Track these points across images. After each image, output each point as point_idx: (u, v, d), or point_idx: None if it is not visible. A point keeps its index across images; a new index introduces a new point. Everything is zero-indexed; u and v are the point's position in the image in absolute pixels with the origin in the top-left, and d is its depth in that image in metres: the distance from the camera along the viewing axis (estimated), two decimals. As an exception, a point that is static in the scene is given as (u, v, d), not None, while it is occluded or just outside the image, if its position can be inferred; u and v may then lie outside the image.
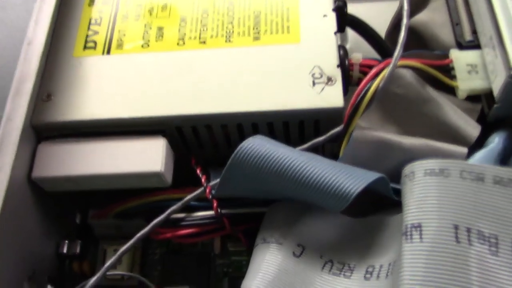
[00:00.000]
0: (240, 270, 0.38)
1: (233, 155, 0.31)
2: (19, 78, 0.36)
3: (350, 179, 0.29)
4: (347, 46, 0.48)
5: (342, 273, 0.30)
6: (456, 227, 0.25)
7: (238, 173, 0.31)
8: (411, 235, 0.25)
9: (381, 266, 0.29)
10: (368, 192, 0.31)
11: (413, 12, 0.43)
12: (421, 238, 0.25)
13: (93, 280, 0.33)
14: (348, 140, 0.34)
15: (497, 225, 0.25)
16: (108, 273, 0.34)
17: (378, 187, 0.31)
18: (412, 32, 0.42)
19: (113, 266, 0.37)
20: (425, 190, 0.26)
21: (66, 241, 0.39)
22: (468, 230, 0.25)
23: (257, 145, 0.31)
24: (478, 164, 0.27)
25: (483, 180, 0.26)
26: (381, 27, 0.43)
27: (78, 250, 0.39)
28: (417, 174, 0.27)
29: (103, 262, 0.38)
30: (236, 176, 0.31)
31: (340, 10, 0.40)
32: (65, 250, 0.39)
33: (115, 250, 0.39)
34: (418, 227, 0.25)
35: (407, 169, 0.28)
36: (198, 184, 0.36)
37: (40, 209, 0.37)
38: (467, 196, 0.26)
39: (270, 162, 0.30)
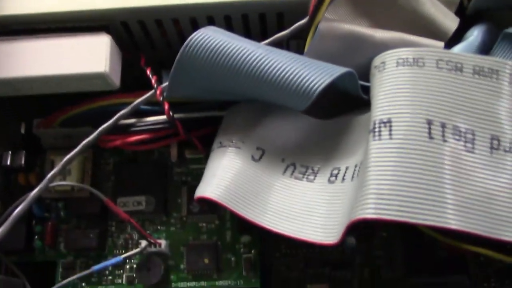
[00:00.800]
0: (199, 179, 0.35)
1: (182, 48, 0.27)
2: None
3: (314, 73, 0.26)
4: None
5: (305, 176, 0.27)
6: (429, 122, 0.22)
7: (189, 69, 0.28)
8: (379, 131, 0.23)
9: (346, 168, 0.26)
10: (334, 89, 0.28)
11: None
12: (390, 134, 0.22)
13: (35, 191, 0.30)
14: (314, 34, 0.30)
15: (474, 119, 0.23)
16: (54, 184, 0.32)
17: (345, 83, 0.28)
18: None
19: (61, 177, 0.35)
20: (396, 82, 0.24)
21: (10, 152, 0.36)
22: (443, 126, 0.22)
23: (210, 36, 0.27)
24: (457, 52, 0.24)
25: (462, 70, 0.23)
26: None
27: (22, 161, 0.36)
28: (388, 64, 0.24)
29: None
30: (187, 72, 0.28)
31: None
32: (8, 162, 0.36)
33: (63, 160, 0.36)
34: (388, 122, 0.23)
35: (377, 59, 0.25)
36: (149, 87, 0.33)
37: (-26, 117, 0.33)
38: (443, 88, 0.23)
39: (225, 55, 0.26)
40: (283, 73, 0.26)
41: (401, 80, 0.23)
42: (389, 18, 0.34)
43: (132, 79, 0.34)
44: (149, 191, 0.35)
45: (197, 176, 0.36)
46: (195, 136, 0.33)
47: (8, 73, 0.31)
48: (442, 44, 0.32)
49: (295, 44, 0.35)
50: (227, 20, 0.33)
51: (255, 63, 0.26)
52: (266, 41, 0.31)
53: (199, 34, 0.27)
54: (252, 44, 0.27)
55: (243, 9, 0.32)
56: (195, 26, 0.33)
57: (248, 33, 0.34)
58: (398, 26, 0.34)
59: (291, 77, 0.25)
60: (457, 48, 0.32)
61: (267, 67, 0.26)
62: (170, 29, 0.34)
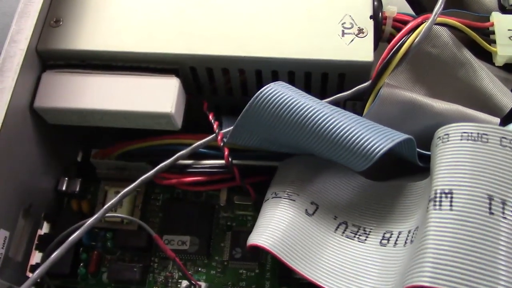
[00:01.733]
0: (244, 225, 0.37)
1: (252, 99, 0.29)
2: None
3: (377, 137, 0.26)
4: None
5: (357, 236, 0.28)
6: (490, 198, 0.23)
7: (255, 120, 0.29)
8: (440, 201, 0.23)
9: (399, 233, 0.27)
10: (392, 154, 0.28)
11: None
12: (451, 206, 0.23)
13: (91, 219, 0.31)
14: (375, 98, 0.32)
15: None
16: (107, 215, 0.33)
17: (404, 149, 0.29)
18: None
19: (113, 208, 0.36)
20: (459, 155, 0.24)
21: (66, 178, 0.38)
22: (503, 202, 0.23)
23: (279, 91, 0.28)
24: (521, 132, 0.24)
25: (524, 150, 0.24)
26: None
27: (77, 188, 0.37)
28: (452, 137, 0.25)
29: (103, 203, 0.37)
30: (252, 123, 0.29)
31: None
32: (64, 187, 0.37)
33: (117, 193, 0.37)
34: (449, 193, 0.23)
35: (441, 131, 0.26)
36: (208, 131, 0.34)
37: (41, 141, 0.35)
38: (506, 166, 0.23)
39: (291, 110, 0.28)
40: (346, 134, 0.26)
41: (464, 153, 0.24)
42: (447, 89, 0.35)
43: (189, 120, 0.35)
44: (194, 231, 0.36)
45: (243, 222, 0.37)
46: (249, 183, 0.34)
47: (81, 104, 0.33)
48: (498, 120, 0.33)
49: (351, 104, 0.36)
50: (290, 76, 0.34)
51: (320, 121, 0.27)
52: (327, 99, 0.32)
53: (268, 88, 0.28)
54: (318, 103, 0.28)
55: (307, 67, 0.33)
56: (259, 78, 0.35)
57: (308, 89, 0.35)
58: (456, 97, 0.35)
59: (353, 138, 0.26)
60: (513, 126, 0.32)
61: (331, 126, 0.27)
62: (234, 78, 0.35)
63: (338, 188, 0.30)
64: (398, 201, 0.28)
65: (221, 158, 0.33)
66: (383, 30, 0.35)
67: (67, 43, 0.34)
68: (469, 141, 0.24)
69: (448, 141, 0.25)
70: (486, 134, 0.24)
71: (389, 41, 0.36)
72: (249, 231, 0.33)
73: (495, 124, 0.32)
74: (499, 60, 0.34)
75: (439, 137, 0.26)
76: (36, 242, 0.36)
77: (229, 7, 0.34)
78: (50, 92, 0.34)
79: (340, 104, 0.36)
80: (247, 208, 0.37)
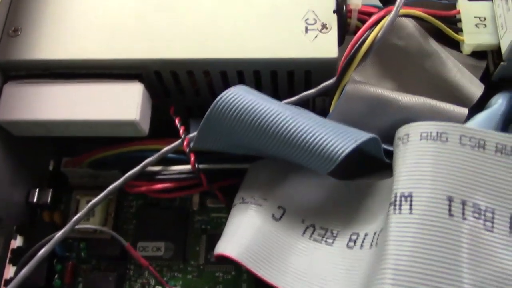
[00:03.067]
0: (219, 228, 0.36)
1: (212, 105, 0.28)
2: (-18, 10, 0.33)
3: (339, 138, 0.26)
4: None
5: (324, 239, 0.28)
6: (450, 199, 0.23)
7: (217, 125, 0.28)
8: (400, 205, 0.23)
9: (365, 235, 0.27)
10: (357, 152, 0.28)
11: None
12: (410, 209, 0.23)
13: (60, 233, 0.31)
14: (340, 94, 0.31)
15: (495, 198, 0.23)
16: (78, 226, 0.32)
17: (369, 148, 0.28)
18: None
19: (85, 218, 0.36)
20: (419, 156, 0.24)
21: (37, 190, 0.37)
22: (463, 203, 0.23)
23: (239, 95, 0.28)
24: (480, 129, 0.24)
25: (484, 148, 0.23)
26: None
27: (49, 199, 0.37)
28: (412, 137, 0.25)
29: (76, 213, 0.36)
30: (215, 128, 0.29)
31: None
32: (35, 199, 0.37)
33: (89, 201, 0.36)
34: (409, 196, 0.23)
35: (401, 131, 0.26)
36: (177, 134, 0.34)
37: (8, 154, 0.35)
38: (465, 165, 0.23)
39: (253, 115, 0.27)
40: (309, 137, 0.26)
41: (424, 154, 0.24)
42: (414, 81, 0.35)
43: (159, 122, 0.35)
44: (169, 237, 0.36)
45: (217, 225, 0.36)
46: (218, 187, 0.33)
47: (43, 115, 0.33)
48: (466, 110, 0.33)
49: (321, 100, 0.36)
50: (256, 75, 0.34)
51: (282, 124, 0.27)
52: (294, 98, 0.32)
53: (229, 93, 0.28)
54: (280, 106, 0.28)
55: (272, 66, 0.33)
56: (225, 78, 0.34)
57: (275, 88, 0.35)
58: (423, 89, 0.34)
59: (316, 140, 0.26)
60: (480, 116, 0.32)
61: (293, 130, 0.26)
62: (200, 80, 0.35)
63: (305, 190, 0.30)
64: (364, 202, 0.28)
65: (189, 163, 0.33)
66: (349, 23, 0.34)
67: (28, 53, 0.33)
68: (429, 141, 0.24)
69: (408, 141, 0.25)
70: (445, 133, 0.24)
71: (355, 34, 0.35)
72: (223, 234, 0.32)
73: (463, 114, 0.32)
74: (466, 49, 0.34)
75: (399, 138, 0.26)
76: (9, 256, 0.35)
77: (190, 9, 0.34)
78: (13, 104, 0.33)
79: (309, 101, 0.35)
80: (221, 210, 0.37)
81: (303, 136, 0.26)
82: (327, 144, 0.26)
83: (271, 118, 0.27)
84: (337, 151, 0.26)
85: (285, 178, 0.30)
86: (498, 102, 0.33)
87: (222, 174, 0.33)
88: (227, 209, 0.36)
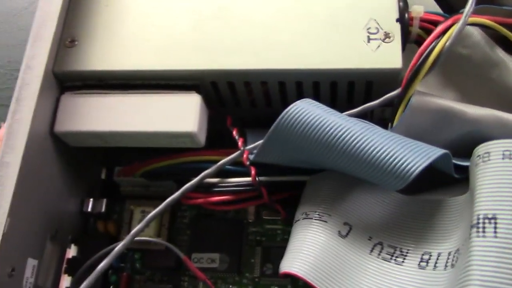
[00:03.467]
0: (274, 239, 0.36)
1: (278, 119, 0.27)
2: (39, 21, 0.33)
3: (411, 155, 0.25)
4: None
5: (393, 258, 0.27)
6: None
7: (282, 140, 0.28)
8: (483, 228, 0.22)
9: (439, 255, 0.25)
10: (427, 167, 0.27)
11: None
12: (495, 232, 0.22)
13: (120, 245, 0.31)
14: (405, 107, 0.30)
15: None
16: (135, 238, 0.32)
17: (440, 163, 0.27)
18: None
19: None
20: (502, 176, 0.23)
21: (91, 199, 0.37)
22: (553, 226, 0.21)
23: (306, 110, 0.27)
24: None
25: None
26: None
27: (103, 208, 0.37)
28: (493, 156, 0.23)
29: (130, 223, 0.36)
30: (280, 143, 0.28)
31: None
32: (89, 209, 0.37)
33: (143, 212, 0.37)
34: (493, 219, 0.22)
35: (481, 148, 0.24)
36: (233, 144, 0.33)
37: (63, 164, 0.34)
38: (554, 185, 0.22)
39: (320, 130, 0.26)
40: (380, 153, 0.25)
41: (508, 174, 0.23)
42: (480, 92, 0.34)
43: (215, 132, 0.34)
44: (223, 248, 0.35)
45: (272, 237, 0.36)
46: (277, 199, 0.33)
47: (100, 126, 0.33)
48: (537, 122, 0.31)
49: (379, 110, 0.35)
50: (315, 86, 0.33)
51: (350, 140, 0.26)
52: (356, 109, 0.31)
53: (295, 107, 0.27)
54: (347, 120, 0.27)
55: (332, 77, 0.32)
56: (283, 89, 0.33)
57: (335, 99, 0.34)
58: (490, 100, 0.33)
59: (387, 157, 0.25)
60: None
61: (363, 146, 0.26)
62: (257, 90, 0.34)
63: (371, 206, 0.29)
64: (435, 219, 0.27)
65: (247, 175, 0.32)
66: (410, 31, 0.33)
67: (84, 64, 0.33)
68: (512, 160, 0.23)
69: (489, 160, 0.24)
70: (531, 152, 0.23)
71: (416, 42, 0.34)
72: (279, 246, 0.32)
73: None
74: (535, 58, 0.32)
75: (479, 156, 0.24)
76: (64, 265, 0.35)
77: (248, 18, 0.33)
78: (70, 115, 0.33)
79: (367, 113, 0.34)
80: (276, 222, 0.36)
81: (374, 153, 0.25)
82: (399, 161, 0.25)
83: (339, 134, 0.26)
84: (410, 168, 0.25)
85: (350, 192, 0.29)
86: None
87: (281, 186, 0.33)
88: (284, 221, 0.35)
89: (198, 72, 0.32)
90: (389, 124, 0.31)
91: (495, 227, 0.22)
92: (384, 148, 0.25)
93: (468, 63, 0.33)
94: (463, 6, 0.33)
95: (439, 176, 0.29)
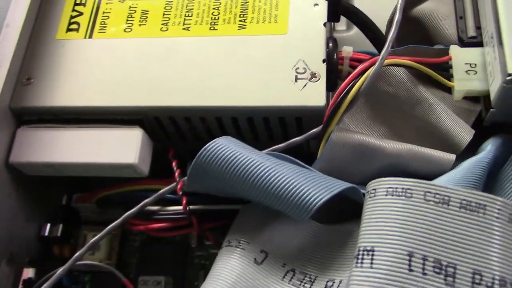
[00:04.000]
0: (216, 264, 0.38)
1: (197, 155, 0.30)
2: (-3, 62, 0.36)
3: (314, 188, 0.27)
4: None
5: (302, 284, 0.29)
6: (410, 255, 0.23)
7: (202, 173, 0.30)
8: (362, 259, 0.24)
9: (340, 282, 0.28)
10: (339, 197, 0.29)
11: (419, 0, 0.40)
12: (371, 264, 0.24)
13: (62, 268, 0.33)
14: (327, 141, 0.32)
15: (457, 253, 0.23)
16: (79, 262, 0.35)
17: (350, 194, 0.30)
18: (416, 22, 0.40)
19: (90, 252, 0.38)
20: (384, 211, 0.25)
21: (48, 224, 0.40)
22: (424, 259, 0.23)
23: (222, 146, 0.29)
24: (446, 186, 0.25)
25: (448, 204, 0.24)
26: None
27: (59, 233, 0.39)
28: (378, 192, 0.26)
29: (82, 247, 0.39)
30: (202, 175, 0.30)
31: (334, -2, 0.37)
32: (46, 233, 0.39)
33: (94, 236, 0.39)
34: (371, 251, 0.24)
35: (370, 185, 0.27)
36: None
37: (20, 192, 0.37)
38: (428, 221, 0.24)
39: (234, 165, 0.29)
40: (286, 186, 0.27)
41: (388, 209, 0.25)
42: (405, 127, 0.36)
43: (165, 162, 0.37)
44: (169, 271, 0.38)
45: (215, 261, 0.38)
46: (210, 227, 0.35)
47: (52, 157, 0.35)
48: (453, 156, 0.33)
49: (315, 142, 0.37)
50: (250, 121, 0.35)
51: (261, 174, 0.28)
52: (281, 145, 0.33)
53: (213, 144, 0.30)
54: (261, 156, 0.29)
55: (264, 113, 0.34)
56: (221, 124, 0.36)
57: (270, 132, 0.36)
58: (414, 135, 0.35)
59: (291, 190, 0.27)
60: (467, 162, 0.33)
61: (271, 180, 0.28)
62: (198, 125, 0.36)
63: (288, 234, 0.31)
64: (341, 248, 0.29)
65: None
66: (341, 70, 0.36)
67: (40, 100, 0.36)
68: (394, 197, 0.25)
69: (375, 196, 0.26)
70: (410, 189, 0.25)
71: (348, 79, 0.36)
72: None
73: (450, 161, 0.33)
74: (457, 95, 0.34)
75: (368, 192, 0.26)
76: (20, 286, 0.38)
77: (191, 59, 0.36)
78: (25, 147, 0.36)
79: (303, 145, 0.36)
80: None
81: (281, 185, 0.28)
82: (302, 194, 0.27)
83: (251, 168, 0.28)
84: (312, 201, 0.27)
85: (270, 222, 0.32)
86: (487, 149, 0.33)
87: (215, 215, 0.35)
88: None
89: (141, 108, 0.35)
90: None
91: (372, 258, 0.24)
92: (290, 182, 0.28)
93: (394, 100, 0.35)
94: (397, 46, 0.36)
95: (355, 206, 0.32)
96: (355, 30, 0.45)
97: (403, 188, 0.25)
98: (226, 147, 0.29)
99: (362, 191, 0.29)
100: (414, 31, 0.39)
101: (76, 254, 0.34)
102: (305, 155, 0.33)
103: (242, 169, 0.28)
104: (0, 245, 0.36)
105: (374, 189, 0.26)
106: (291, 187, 0.27)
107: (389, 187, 0.25)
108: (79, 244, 0.39)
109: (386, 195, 0.25)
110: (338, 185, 0.28)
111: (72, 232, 0.41)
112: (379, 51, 0.38)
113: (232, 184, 0.29)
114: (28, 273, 0.39)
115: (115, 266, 0.38)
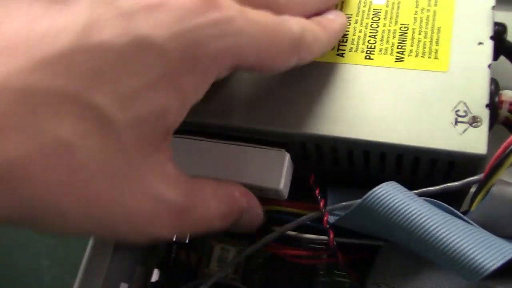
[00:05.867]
0: (342, 290, 0.38)
1: (363, 198, 0.30)
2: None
3: (487, 252, 0.27)
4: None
5: None
6: None
7: (364, 217, 0.30)
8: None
9: None
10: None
11: None
12: None
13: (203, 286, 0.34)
14: (485, 194, 0.31)
15: None
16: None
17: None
18: None
19: (218, 265, 0.39)
20: None
21: (178, 228, 0.41)
22: None
23: (390, 194, 0.29)
24: None
25: None
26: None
27: (187, 239, 0.40)
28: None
29: (209, 258, 0.40)
30: (361, 218, 0.30)
31: (499, 37, 0.36)
32: (175, 237, 0.40)
33: (222, 248, 0.40)
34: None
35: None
36: (311, 198, 0.36)
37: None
38: None
39: (401, 216, 0.28)
40: (456, 247, 0.27)
41: None
42: None
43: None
44: (293, 292, 0.38)
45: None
46: (350, 260, 0.35)
47: (200, 171, 0.35)
48: None
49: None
50: (398, 158, 0.35)
51: (429, 230, 0.27)
52: (435, 188, 0.32)
53: (380, 190, 0.29)
54: (428, 209, 0.28)
55: (416, 153, 0.33)
56: (367, 157, 0.35)
57: (415, 172, 0.35)
58: None
59: (463, 252, 0.27)
60: None
61: (440, 237, 0.27)
62: (342, 154, 0.36)
63: (439, 284, 0.31)
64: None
65: (323, 232, 0.35)
66: (498, 113, 0.34)
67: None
68: None
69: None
70: None
71: (503, 123, 0.35)
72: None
73: None
74: None
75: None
76: (149, 289, 0.39)
77: (339, 88, 0.35)
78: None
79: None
80: (346, 275, 0.38)
81: (451, 245, 0.27)
82: (474, 257, 0.26)
83: (419, 222, 0.28)
84: (484, 265, 0.26)
85: (418, 269, 0.31)
86: None
87: (354, 248, 0.35)
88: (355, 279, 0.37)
89: (289, 134, 0.35)
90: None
91: None
92: (461, 242, 0.27)
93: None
94: None
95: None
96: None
97: None
98: (394, 195, 0.29)
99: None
100: None
101: (219, 271, 0.34)
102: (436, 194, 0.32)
103: (411, 221, 0.28)
104: (139, 249, 0.37)
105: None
106: (461, 247, 0.27)
107: None
108: (205, 254, 0.40)
109: None
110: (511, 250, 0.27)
111: (198, 240, 0.41)
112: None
113: (394, 232, 0.29)
114: (156, 276, 0.40)
115: (241, 282, 0.38)
